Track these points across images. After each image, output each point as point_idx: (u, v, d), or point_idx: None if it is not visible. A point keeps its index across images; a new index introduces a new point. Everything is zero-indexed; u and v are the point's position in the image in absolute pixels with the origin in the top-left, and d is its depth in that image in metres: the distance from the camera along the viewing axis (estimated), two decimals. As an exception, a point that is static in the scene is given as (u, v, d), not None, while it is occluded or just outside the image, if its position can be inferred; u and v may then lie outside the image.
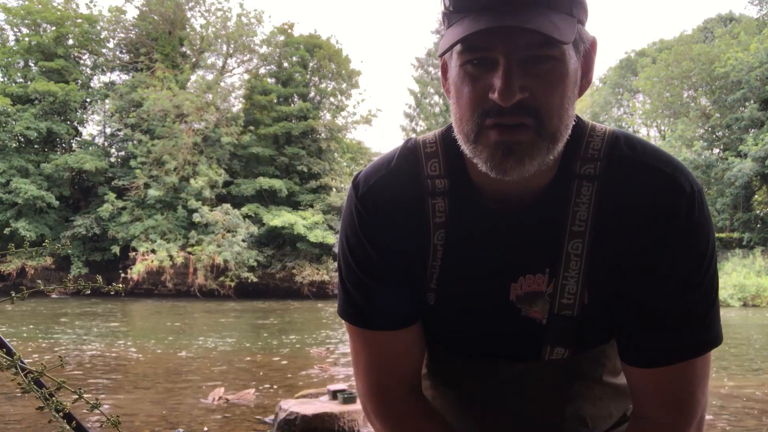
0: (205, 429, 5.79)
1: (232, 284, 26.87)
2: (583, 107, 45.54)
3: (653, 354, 0.92)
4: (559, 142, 0.85)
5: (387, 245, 0.98)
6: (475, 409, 1.06)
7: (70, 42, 31.09)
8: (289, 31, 32.49)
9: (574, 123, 0.91)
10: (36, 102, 28.92)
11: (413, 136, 1.06)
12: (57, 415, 0.65)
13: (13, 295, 0.72)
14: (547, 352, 0.96)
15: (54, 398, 0.66)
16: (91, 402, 0.69)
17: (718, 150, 33.95)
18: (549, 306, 0.94)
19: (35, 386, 0.66)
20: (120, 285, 0.85)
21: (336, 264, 1.10)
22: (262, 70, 33.18)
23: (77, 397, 0.69)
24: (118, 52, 32.65)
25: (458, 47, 0.82)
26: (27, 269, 26.33)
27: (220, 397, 6.47)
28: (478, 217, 0.96)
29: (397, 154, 1.01)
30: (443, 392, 1.11)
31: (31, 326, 14.10)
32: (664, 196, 0.88)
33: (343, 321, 1.07)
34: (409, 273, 0.99)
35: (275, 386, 7.90)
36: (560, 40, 0.76)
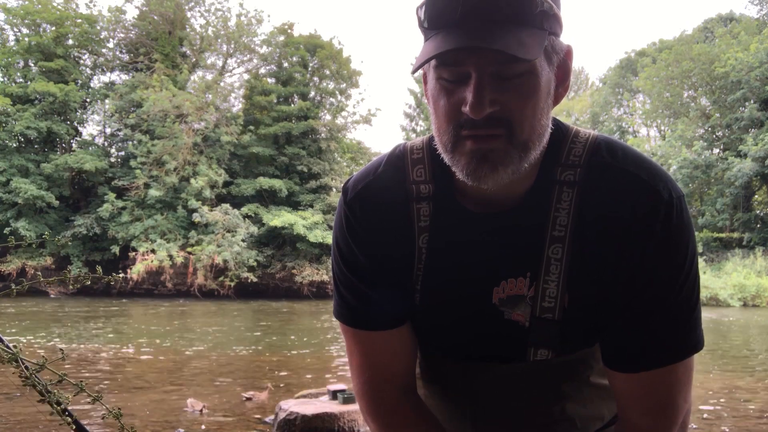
0: (203, 427, 5.80)
1: (232, 284, 26.86)
2: (583, 107, 45.61)
3: (634, 359, 0.94)
4: (531, 150, 0.87)
5: (373, 248, 1.01)
6: (466, 410, 1.08)
7: (70, 42, 31.06)
8: (289, 31, 32.49)
9: (553, 129, 0.94)
10: (36, 102, 28.92)
11: (402, 142, 1.09)
12: (57, 408, 0.66)
13: (13, 287, 0.73)
14: (531, 353, 0.97)
15: (55, 391, 0.67)
16: (92, 395, 0.69)
17: (718, 150, 33.95)
18: (530, 309, 0.96)
19: (36, 378, 0.67)
20: (119, 275, 0.85)
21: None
22: (262, 70, 33.18)
23: (79, 390, 0.69)
24: (118, 52, 32.63)
25: (433, 61, 0.86)
26: (27, 269, 26.31)
27: (203, 407, 6.39)
28: (461, 222, 0.98)
29: (385, 161, 1.04)
30: (435, 392, 1.12)
31: (30, 326, 14.10)
32: (642, 203, 0.89)
33: (338, 322, 1.09)
34: (396, 275, 1.01)
35: (281, 385, 7.90)
36: (525, 58, 0.79)
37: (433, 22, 0.84)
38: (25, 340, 11.36)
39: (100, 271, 0.84)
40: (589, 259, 0.93)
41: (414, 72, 0.87)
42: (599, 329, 0.96)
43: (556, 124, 0.97)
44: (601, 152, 0.94)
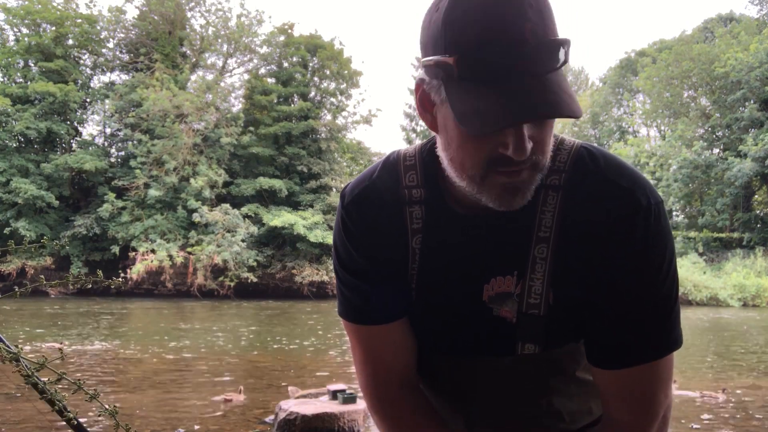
0: (197, 427, 5.80)
1: (232, 284, 26.87)
2: (583, 107, 45.21)
3: (617, 356, 0.98)
4: (545, 169, 0.92)
5: (369, 249, 1.06)
6: (457, 403, 1.13)
7: (70, 42, 31.09)
8: (290, 31, 32.50)
9: None
10: (36, 102, 28.94)
11: (396, 149, 1.14)
12: (59, 404, 0.67)
13: (17, 290, 0.74)
14: (519, 348, 1.03)
15: (54, 390, 0.67)
16: (90, 392, 0.70)
17: (718, 150, 33.97)
18: (517, 305, 1.01)
19: (36, 377, 0.67)
20: (119, 279, 0.86)
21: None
22: (262, 70, 33.20)
23: (77, 388, 0.70)
24: (118, 52, 32.67)
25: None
26: (27, 269, 26.33)
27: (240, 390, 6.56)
28: (452, 224, 1.03)
29: (379, 167, 1.09)
30: (428, 387, 1.17)
31: (31, 327, 14.11)
32: (621, 209, 0.94)
33: (341, 320, 1.14)
34: (392, 274, 1.06)
35: (283, 384, 7.91)
36: (579, 114, 0.80)
37: (469, 74, 0.81)
38: (24, 340, 11.36)
39: (101, 274, 0.85)
40: (571, 259, 0.98)
41: (486, 132, 0.81)
42: (583, 326, 1.02)
43: None
44: (584, 159, 0.99)
